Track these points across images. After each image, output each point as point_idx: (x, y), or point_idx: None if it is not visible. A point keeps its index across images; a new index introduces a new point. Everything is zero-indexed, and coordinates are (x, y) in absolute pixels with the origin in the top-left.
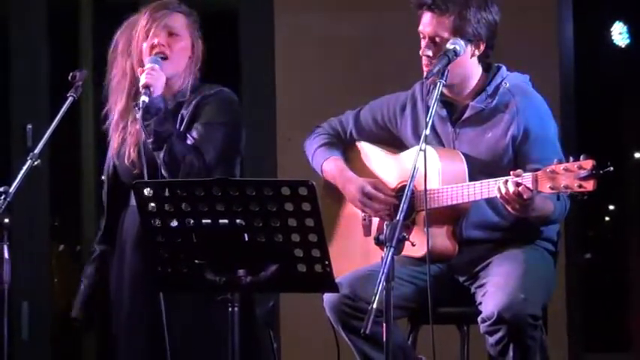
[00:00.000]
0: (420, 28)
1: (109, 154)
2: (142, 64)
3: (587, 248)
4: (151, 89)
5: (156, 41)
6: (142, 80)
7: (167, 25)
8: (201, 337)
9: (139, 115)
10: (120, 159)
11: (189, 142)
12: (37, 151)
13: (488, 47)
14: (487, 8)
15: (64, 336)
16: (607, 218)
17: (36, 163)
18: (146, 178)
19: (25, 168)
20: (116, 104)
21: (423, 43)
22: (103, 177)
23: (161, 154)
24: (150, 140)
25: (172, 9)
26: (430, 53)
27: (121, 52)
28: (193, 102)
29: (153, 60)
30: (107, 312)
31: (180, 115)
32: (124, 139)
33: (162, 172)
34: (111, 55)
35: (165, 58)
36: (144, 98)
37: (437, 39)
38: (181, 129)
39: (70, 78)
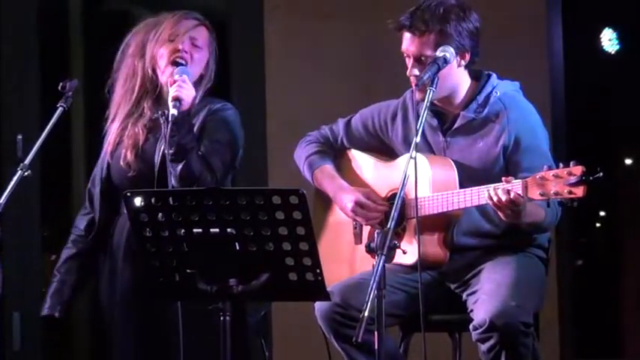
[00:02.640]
0: (403, 48)
1: (102, 153)
2: (154, 66)
3: (579, 255)
4: (182, 103)
5: (180, 47)
6: (173, 92)
7: (193, 36)
8: (195, 345)
9: (165, 127)
10: (115, 159)
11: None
12: (27, 161)
13: (472, 55)
14: (466, 18)
15: (56, 346)
16: (598, 224)
17: (26, 173)
18: (143, 180)
19: (15, 178)
20: (121, 104)
21: (408, 62)
22: (94, 174)
23: (178, 167)
24: (170, 151)
25: (200, 21)
26: (417, 72)
27: (132, 53)
28: (200, 116)
29: (182, 71)
30: (99, 321)
31: None
32: (122, 140)
33: (173, 182)
34: (121, 52)
35: (184, 65)
36: (173, 111)
37: (422, 58)
38: None
39: (60, 88)
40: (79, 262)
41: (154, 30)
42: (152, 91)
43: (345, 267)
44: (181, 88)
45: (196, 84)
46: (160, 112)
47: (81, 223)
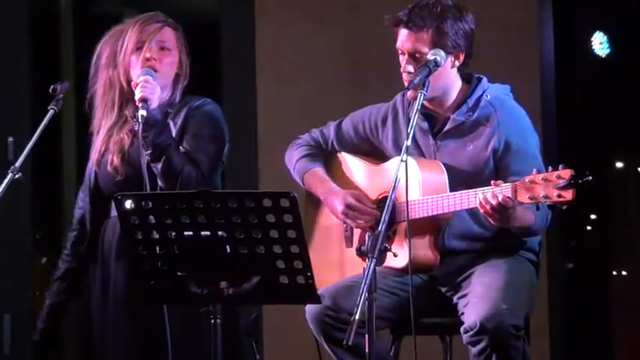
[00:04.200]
0: (398, 44)
1: (89, 165)
2: (128, 76)
3: (569, 258)
4: (148, 102)
5: (148, 55)
6: (138, 94)
7: (159, 40)
8: (188, 348)
9: (138, 129)
10: (102, 166)
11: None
12: (18, 164)
13: (467, 57)
14: (463, 18)
15: (47, 349)
16: (589, 228)
17: (17, 176)
18: (130, 185)
19: (6, 181)
20: (105, 117)
21: (402, 59)
22: (80, 192)
23: (159, 166)
24: (148, 152)
25: (163, 22)
26: (411, 69)
27: (106, 63)
28: (182, 114)
29: (146, 72)
30: (90, 325)
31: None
32: (108, 147)
33: (160, 183)
34: (94, 65)
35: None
36: (142, 112)
37: (417, 55)
38: None
39: (51, 90)
40: (65, 284)
41: (121, 39)
42: (132, 99)
43: (336, 270)
44: (145, 89)
45: (174, 83)
46: (131, 116)
47: (68, 242)
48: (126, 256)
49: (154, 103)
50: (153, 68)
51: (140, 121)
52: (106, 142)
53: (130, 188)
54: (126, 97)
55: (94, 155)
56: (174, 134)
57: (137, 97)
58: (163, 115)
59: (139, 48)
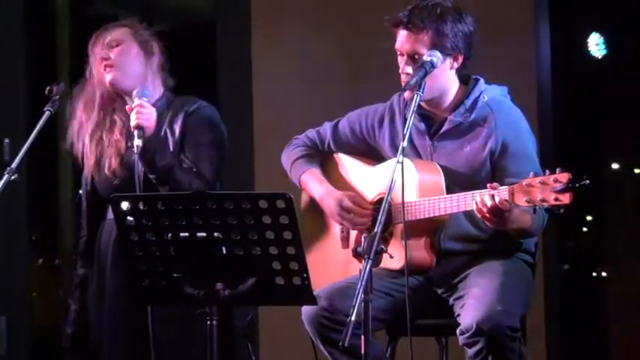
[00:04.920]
0: (397, 45)
1: (85, 171)
2: (103, 82)
3: (565, 259)
4: (144, 129)
5: (99, 57)
6: (133, 121)
7: (105, 42)
8: (184, 350)
9: (137, 158)
10: (100, 171)
11: (185, 165)
12: (14, 165)
13: (465, 58)
14: (462, 20)
15: (43, 350)
16: (585, 229)
17: (13, 177)
18: (129, 188)
19: (2, 182)
20: (89, 115)
21: (401, 60)
22: (80, 193)
23: (166, 187)
24: (153, 177)
25: (111, 27)
26: (410, 70)
27: (90, 72)
28: (179, 120)
29: (140, 93)
30: (87, 326)
31: (163, 131)
32: (102, 153)
33: None
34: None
35: (111, 67)
36: (137, 142)
37: (416, 56)
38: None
39: (47, 92)
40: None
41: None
42: (117, 103)
43: (332, 271)
44: (140, 115)
45: (147, 72)
46: (129, 145)
47: (82, 247)
48: (122, 257)
49: (150, 130)
50: (109, 66)
51: (137, 151)
52: (99, 147)
53: (128, 191)
54: (110, 103)
55: (88, 161)
56: (173, 143)
57: (132, 124)
58: (156, 117)
59: (98, 56)
